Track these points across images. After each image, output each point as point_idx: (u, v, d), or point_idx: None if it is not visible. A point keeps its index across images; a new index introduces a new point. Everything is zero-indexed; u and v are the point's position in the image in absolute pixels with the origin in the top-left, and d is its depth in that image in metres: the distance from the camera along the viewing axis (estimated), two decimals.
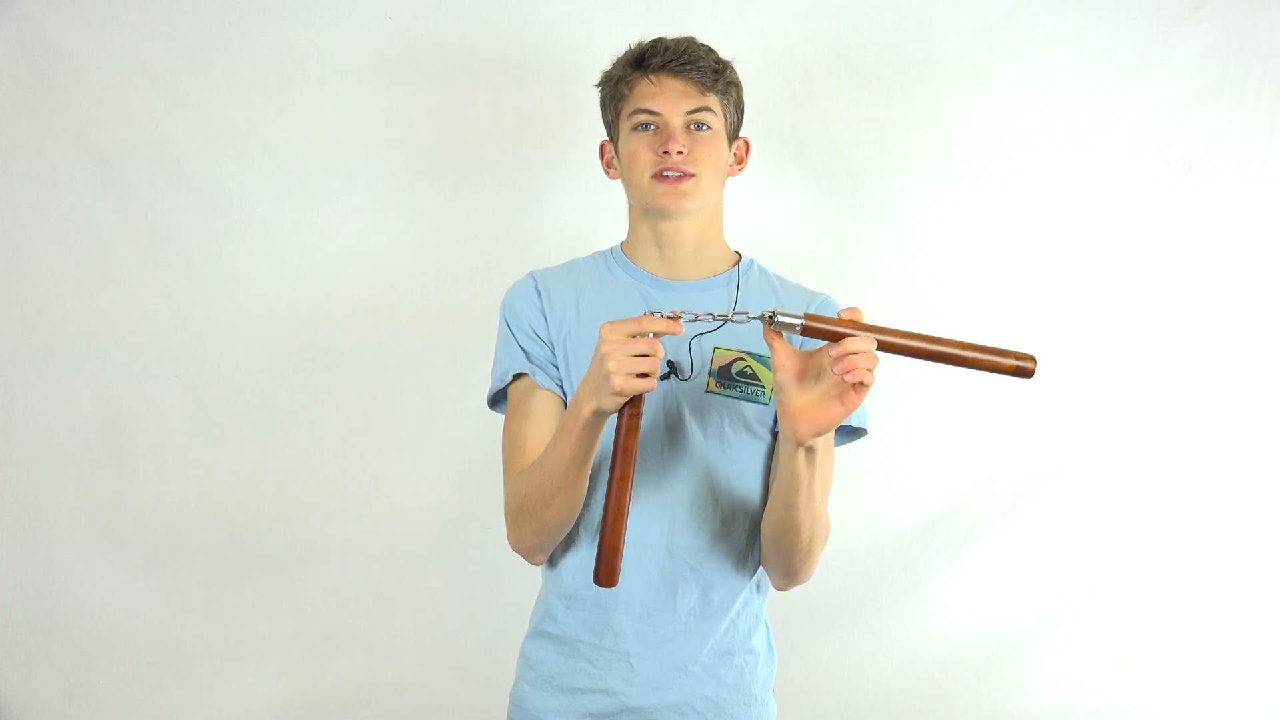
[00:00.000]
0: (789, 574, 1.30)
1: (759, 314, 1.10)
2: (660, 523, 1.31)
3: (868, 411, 1.38)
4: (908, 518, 1.96)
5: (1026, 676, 1.96)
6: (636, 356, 1.07)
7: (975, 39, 1.92)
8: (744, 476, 1.32)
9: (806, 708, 1.85)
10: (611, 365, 1.07)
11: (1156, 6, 1.91)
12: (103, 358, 1.90)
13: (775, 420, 1.33)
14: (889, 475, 1.93)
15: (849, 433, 1.37)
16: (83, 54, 1.86)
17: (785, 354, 1.11)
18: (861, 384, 1.06)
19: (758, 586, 1.37)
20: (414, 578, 1.95)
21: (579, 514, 1.28)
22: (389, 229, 1.92)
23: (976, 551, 1.95)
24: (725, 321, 1.12)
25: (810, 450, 1.14)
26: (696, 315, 1.11)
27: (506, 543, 1.32)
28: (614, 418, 1.14)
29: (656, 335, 1.09)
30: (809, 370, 1.11)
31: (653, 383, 1.08)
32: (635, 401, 1.10)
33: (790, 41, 1.90)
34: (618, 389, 1.07)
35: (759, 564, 1.36)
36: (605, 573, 1.12)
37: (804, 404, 1.11)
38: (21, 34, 1.84)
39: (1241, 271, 1.95)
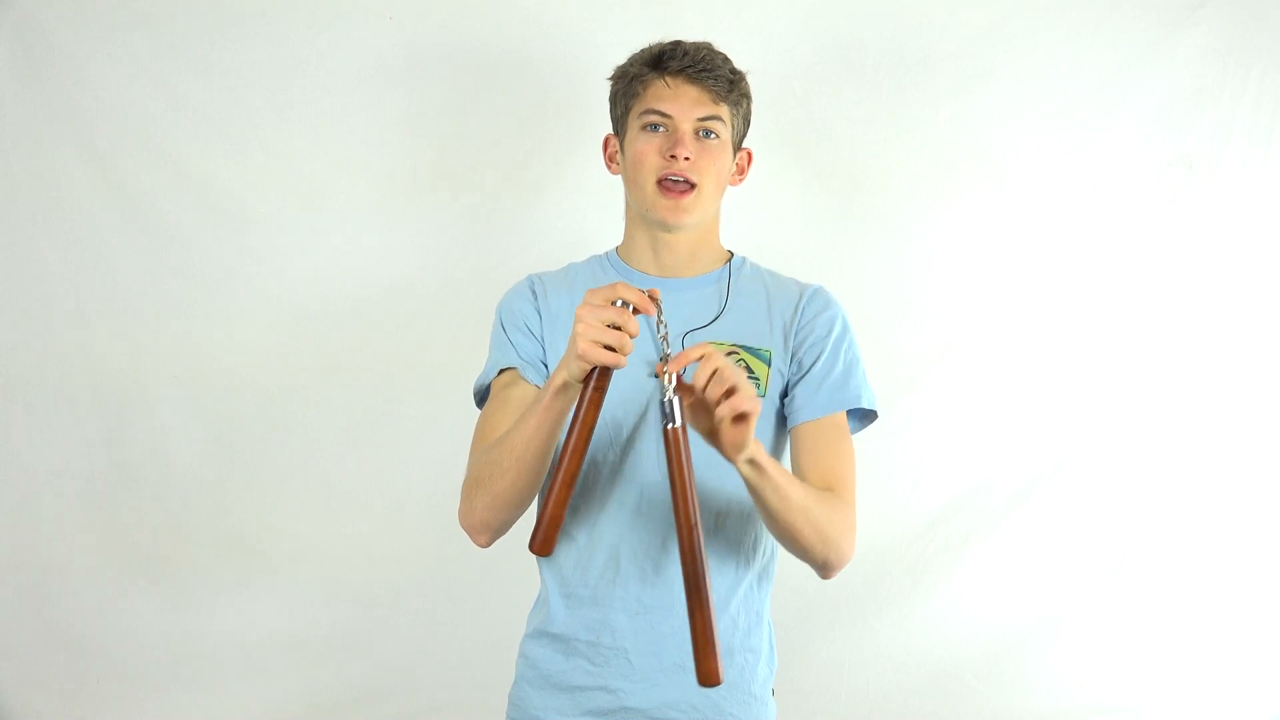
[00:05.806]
0: (823, 566, 1.30)
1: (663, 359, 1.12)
2: (654, 519, 1.31)
3: (875, 395, 1.39)
4: (908, 518, 1.95)
5: (1026, 676, 1.96)
6: (608, 328, 1.09)
7: (975, 39, 1.91)
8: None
9: (806, 708, 1.84)
10: (580, 328, 1.09)
11: (1156, 6, 1.91)
12: (103, 358, 1.90)
13: (776, 410, 1.34)
14: (889, 475, 1.92)
15: (861, 416, 1.38)
16: (83, 54, 1.85)
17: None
18: (742, 416, 1.08)
19: (758, 584, 1.37)
20: (414, 577, 1.95)
21: (533, 498, 1.27)
22: (389, 229, 1.92)
23: (976, 551, 1.95)
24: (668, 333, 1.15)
25: (752, 462, 1.15)
26: (660, 319, 1.14)
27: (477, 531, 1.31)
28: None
29: (632, 309, 1.10)
30: (698, 405, 1.12)
31: (619, 359, 1.09)
32: (602, 376, 1.11)
33: (790, 41, 1.90)
34: (580, 352, 1.09)
35: (762, 560, 1.36)
36: (541, 541, 1.12)
37: (718, 430, 1.11)
38: (21, 34, 1.84)
39: (1242, 272, 1.94)
